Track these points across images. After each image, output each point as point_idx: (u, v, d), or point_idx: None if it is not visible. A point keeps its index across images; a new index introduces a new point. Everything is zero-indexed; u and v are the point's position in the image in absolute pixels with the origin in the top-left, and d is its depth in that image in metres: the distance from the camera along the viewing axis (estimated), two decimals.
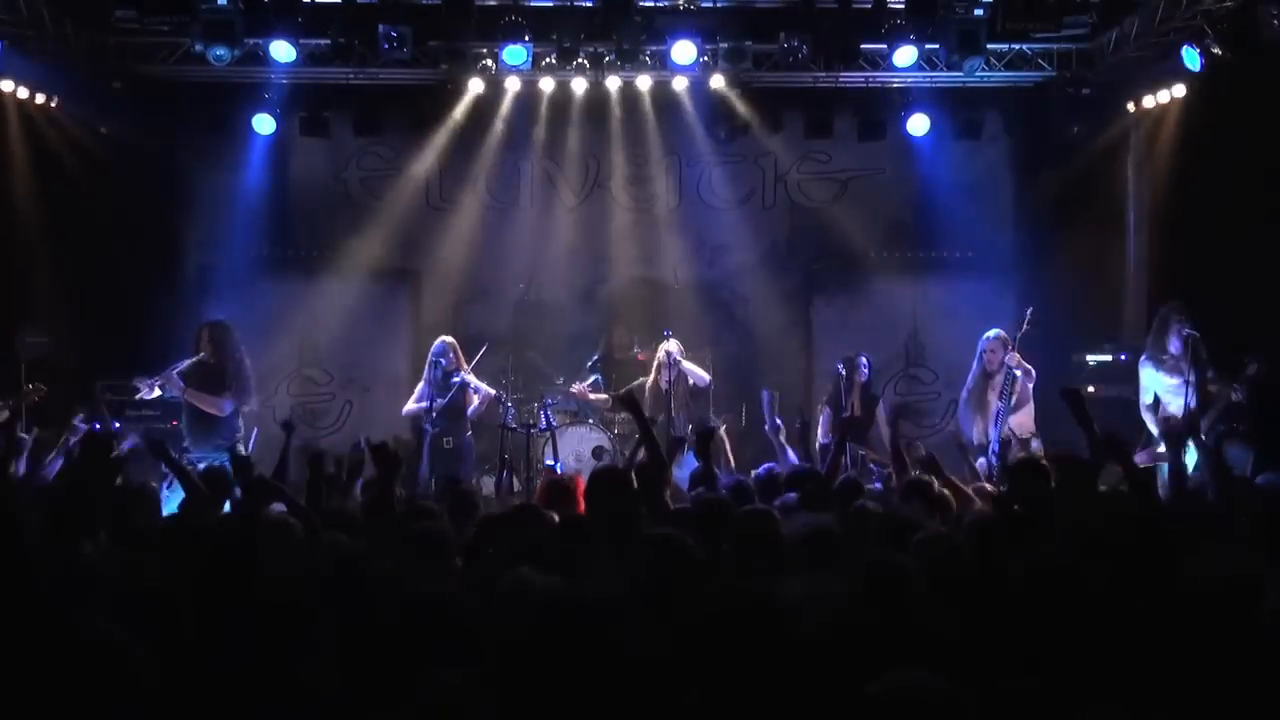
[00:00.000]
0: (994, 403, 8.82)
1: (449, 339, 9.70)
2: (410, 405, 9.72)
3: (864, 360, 9.62)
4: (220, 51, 9.59)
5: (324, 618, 3.41)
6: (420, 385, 9.66)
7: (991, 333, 9.11)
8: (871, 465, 8.71)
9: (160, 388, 8.75)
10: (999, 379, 8.88)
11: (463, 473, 9.17)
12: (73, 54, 10.18)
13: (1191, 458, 6.62)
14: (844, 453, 6.37)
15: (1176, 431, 7.09)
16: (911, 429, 10.25)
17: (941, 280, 11.87)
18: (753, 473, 6.67)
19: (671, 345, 9.90)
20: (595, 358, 10.92)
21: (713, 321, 11.79)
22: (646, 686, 3.05)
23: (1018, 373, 8.75)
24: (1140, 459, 7.40)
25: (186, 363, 8.75)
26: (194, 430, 8.71)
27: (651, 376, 10.08)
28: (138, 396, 8.99)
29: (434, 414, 9.27)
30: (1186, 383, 8.03)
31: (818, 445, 9.33)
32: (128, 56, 10.51)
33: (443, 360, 9.44)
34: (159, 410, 9.55)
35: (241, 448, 8.66)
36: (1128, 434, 6.95)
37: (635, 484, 5.29)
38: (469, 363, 9.76)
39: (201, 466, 7.41)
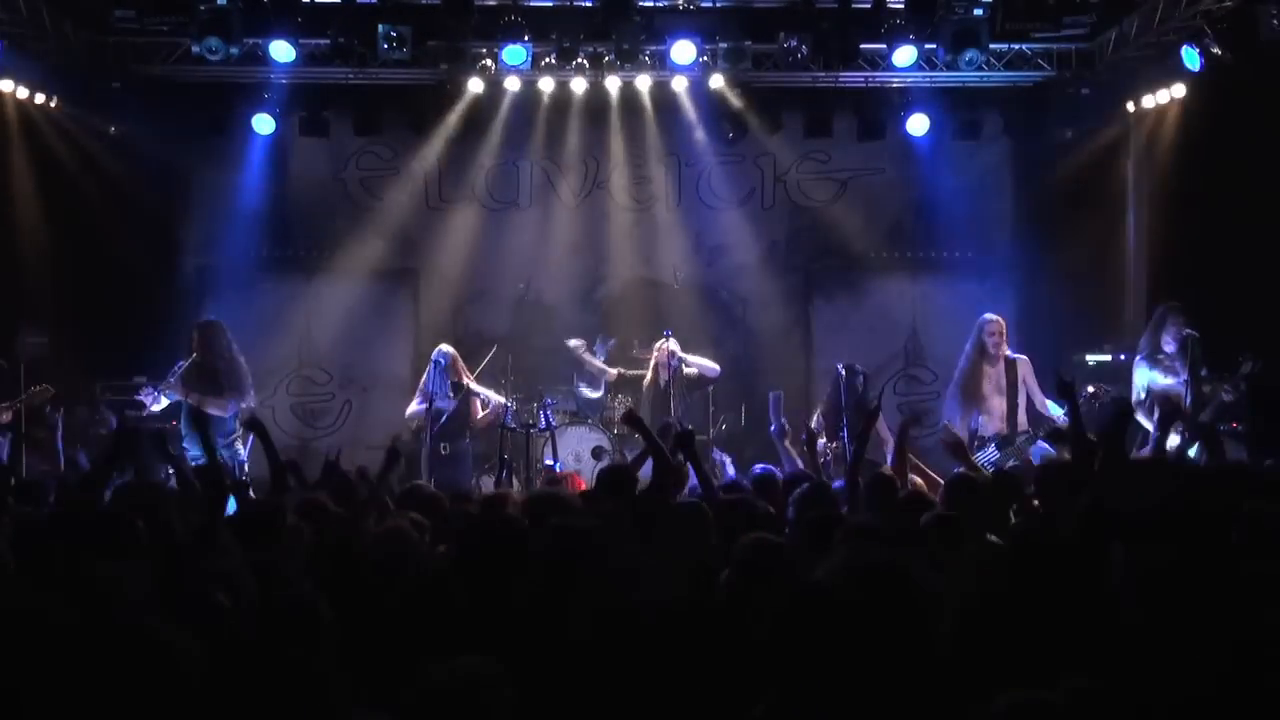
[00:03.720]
0: (990, 396, 8.74)
1: (449, 349, 9.68)
2: (413, 410, 9.70)
3: (861, 374, 9.39)
4: (214, 43, 9.47)
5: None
6: (421, 389, 9.63)
7: (992, 315, 8.96)
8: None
9: (165, 395, 8.78)
10: (996, 372, 8.79)
11: (461, 479, 9.16)
12: (73, 54, 10.20)
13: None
14: (864, 452, 6.24)
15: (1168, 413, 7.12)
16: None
17: (941, 280, 11.86)
18: (751, 471, 6.65)
19: (673, 344, 9.95)
20: (597, 346, 10.92)
21: (713, 321, 11.77)
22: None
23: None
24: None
25: (183, 365, 8.77)
26: (192, 430, 8.71)
27: (649, 375, 10.13)
28: (144, 412, 9.03)
29: (437, 425, 9.25)
30: (1184, 382, 8.02)
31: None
32: (128, 56, 10.52)
33: (444, 366, 9.41)
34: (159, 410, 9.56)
35: (240, 445, 8.68)
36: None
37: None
38: (476, 368, 9.76)
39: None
